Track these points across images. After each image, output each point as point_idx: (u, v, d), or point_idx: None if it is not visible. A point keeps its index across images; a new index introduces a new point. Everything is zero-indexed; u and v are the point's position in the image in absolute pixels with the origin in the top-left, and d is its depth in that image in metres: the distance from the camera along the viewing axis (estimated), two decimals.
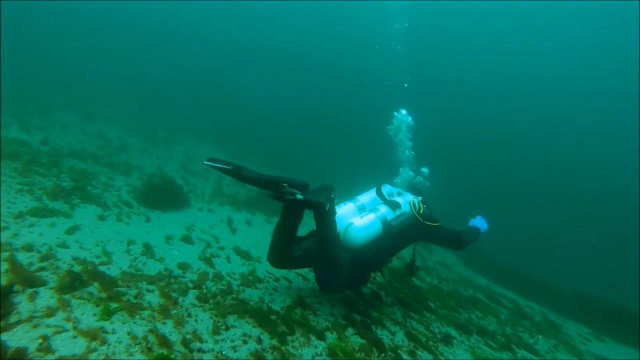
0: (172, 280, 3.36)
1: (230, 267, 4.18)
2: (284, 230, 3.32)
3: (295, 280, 4.34)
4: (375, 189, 4.03)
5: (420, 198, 4.22)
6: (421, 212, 3.99)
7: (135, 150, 9.58)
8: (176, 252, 4.15)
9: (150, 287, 3.05)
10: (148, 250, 3.89)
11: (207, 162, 3.14)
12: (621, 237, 22.98)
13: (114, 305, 2.52)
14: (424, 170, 4.95)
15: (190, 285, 3.34)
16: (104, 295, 2.64)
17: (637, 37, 26.30)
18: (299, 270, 4.67)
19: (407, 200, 4.01)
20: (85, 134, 9.23)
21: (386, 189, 4.08)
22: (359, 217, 3.57)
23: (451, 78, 35.43)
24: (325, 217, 3.21)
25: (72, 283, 2.58)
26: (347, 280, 3.39)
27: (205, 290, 3.31)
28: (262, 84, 35.19)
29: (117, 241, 3.92)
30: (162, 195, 5.83)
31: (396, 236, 3.65)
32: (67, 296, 2.49)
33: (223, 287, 3.48)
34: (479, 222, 4.61)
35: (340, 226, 3.46)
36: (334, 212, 3.35)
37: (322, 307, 3.76)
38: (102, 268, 3.15)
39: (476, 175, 28.73)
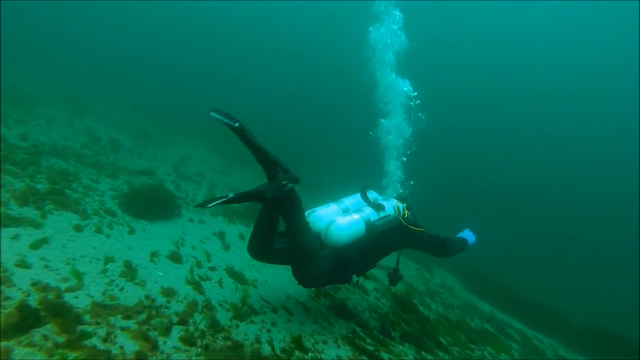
0: (154, 312, 2.81)
1: (222, 293, 3.64)
2: (263, 219, 3.33)
3: (296, 311, 3.81)
4: (359, 192, 3.94)
5: (405, 205, 4.08)
6: (406, 216, 3.89)
7: (125, 150, 9.01)
8: (161, 273, 3.60)
9: (125, 324, 2.51)
10: (128, 271, 3.34)
11: (214, 114, 3.12)
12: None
13: (72, 355, 1.98)
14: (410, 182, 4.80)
15: (175, 319, 2.80)
16: (62, 339, 2.09)
17: (637, 37, 26.45)
18: (299, 299, 4.15)
19: (391, 205, 3.91)
20: (71, 130, 8.64)
21: (371, 194, 3.99)
22: (342, 217, 3.50)
23: (449, 77, 35.31)
24: (286, 203, 3.13)
25: (22, 322, 2.03)
26: (327, 275, 3.28)
27: (192, 327, 2.77)
28: (256, 83, 34.80)
29: (92, 258, 3.37)
30: (150, 203, 5.28)
31: (379, 238, 3.55)
32: (11, 342, 1.94)
33: (213, 323, 2.95)
34: (467, 235, 4.47)
35: (322, 224, 3.44)
36: (298, 200, 3.21)
37: (328, 348, 3.25)
38: (68, 296, 2.60)
39: (472, 180, 28.45)
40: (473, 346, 4.97)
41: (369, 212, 3.63)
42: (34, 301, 2.37)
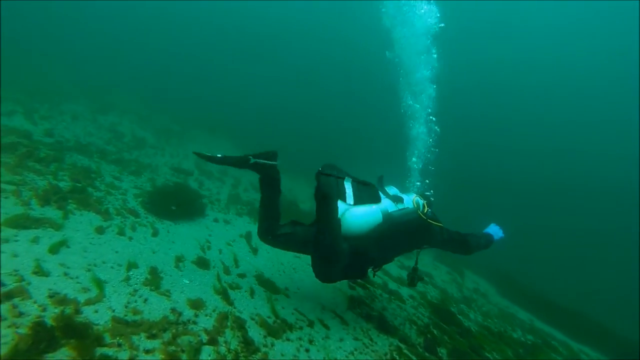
0: (181, 328, 2.52)
1: (253, 304, 3.32)
2: (264, 203, 3.48)
3: (333, 325, 3.47)
4: (376, 183, 3.78)
5: (425, 201, 3.90)
6: (425, 211, 3.73)
7: (148, 147, 8.84)
8: (187, 281, 3.31)
9: (150, 345, 2.21)
10: (153, 278, 3.06)
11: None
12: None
13: None
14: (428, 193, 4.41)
15: (204, 338, 2.49)
16: None
17: (637, 37, 25.46)
18: (335, 310, 3.81)
19: (410, 198, 3.79)
20: (95, 126, 8.52)
21: (391, 190, 3.86)
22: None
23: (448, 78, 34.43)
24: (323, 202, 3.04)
25: (34, 347, 1.75)
26: (345, 271, 3.24)
27: (223, 348, 2.46)
28: (276, 80, 34.66)
29: (115, 264, 3.10)
30: (173, 202, 5.02)
31: (397, 230, 3.42)
32: None
33: (246, 341, 2.63)
34: (493, 230, 4.10)
35: (339, 211, 3.26)
36: (331, 196, 3.10)
37: None
38: (87, 310, 2.33)
39: (479, 175, 27.63)
40: None
41: (387, 203, 3.54)
42: (49, 318, 2.09)
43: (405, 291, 5.69)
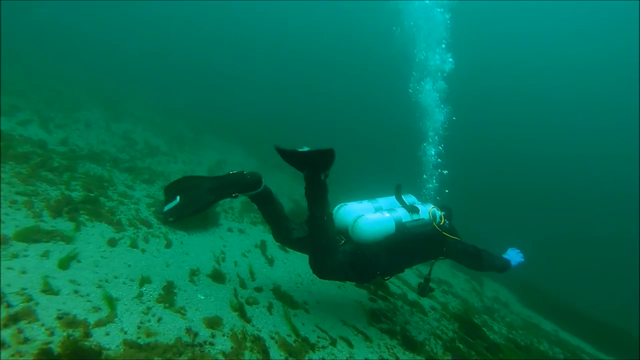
0: (197, 351, 2.36)
1: (272, 321, 3.15)
2: (267, 217, 3.48)
3: (357, 343, 3.28)
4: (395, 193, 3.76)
5: (443, 212, 3.82)
6: (442, 223, 3.67)
7: (161, 154, 8.79)
8: (202, 297, 3.16)
9: None
10: (167, 295, 2.92)
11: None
12: None
13: None
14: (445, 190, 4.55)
15: None
16: None
17: (637, 37, 24.90)
18: (357, 326, 3.61)
19: (427, 209, 3.72)
20: (109, 134, 8.49)
21: (409, 198, 3.80)
22: (372, 213, 3.38)
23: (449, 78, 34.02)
24: (315, 189, 3.03)
25: None
26: (344, 270, 3.16)
27: None
28: (288, 85, 34.69)
29: (127, 279, 2.96)
30: None
31: (410, 241, 3.37)
32: None
33: None
34: (510, 255, 3.91)
35: (350, 218, 3.31)
36: (324, 190, 3.06)
37: None
38: (97, 333, 2.18)
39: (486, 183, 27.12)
40: None
41: (401, 212, 3.49)
42: (56, 344, 1.95)
43: (426, 302, 5.47)
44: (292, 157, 2.93)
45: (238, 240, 5.09)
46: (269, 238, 5.52)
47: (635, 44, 26.28)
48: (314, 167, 2.94)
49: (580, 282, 16.22)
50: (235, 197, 3.24)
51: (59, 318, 2.18)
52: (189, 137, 12.33)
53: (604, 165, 33.27)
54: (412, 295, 5.38)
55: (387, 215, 3.37)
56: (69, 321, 2.17)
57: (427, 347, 3.77)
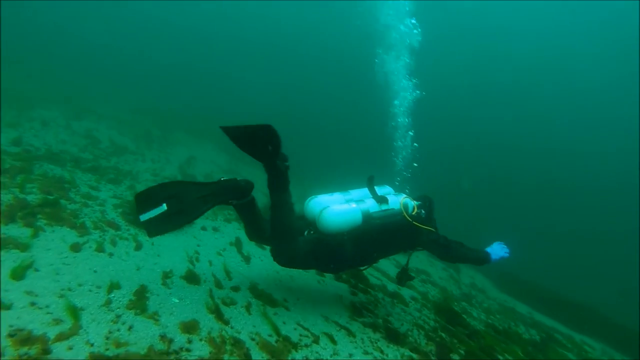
0: (173, 357, 2.19)
1: (251, 321, 3.01)
2: (247, 221, 3.41)
3: (340, 339, 3.19)
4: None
5: (417, 203, 3.75)
6: (413, 213, 3.59)
7: (128, 153, 8.38)
8: (176, 300, 2.98)
9: None
10: (138, 300, 2.72)
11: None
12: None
13: None
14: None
15: None
16: None
17: (637, 37, 25.83)
18: (339, 321, 3.53)
19: (398, 200, 3.64)
20: (69, 132, 8.01)
21: (384, 189, 3.79)
22: (340, 204, 3.38)
23: (449, 80, 34.61)
24: (274, 178, 3.07)
25: None
26: (305, 259, 3.27)
27: None
28: (260, 81, 34.15)
29: (93, 286, 2.75)
30: None
31: (378, 232, 3.37)
32: None
33: None
34: (494, 249, 3.70)
35: (318, 208, 3.32)
36: (284, 179, 3.10)
37: None
38: (58, 348, 1.98)
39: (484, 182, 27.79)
40: None
41: (370, 203, 3.47)
42: None
43: (406, 292, 5.46)
44: (235, 133, 2.87)
45: (212, 239, 4.89)
46: (244, 235, 5.36)
47: (635, 44, 26.80)
48: (259, 146, 2.92)
49: (577, 277, 16.75)
50: (233, 204, 3.19)
51: (11, 335, 1.96)
52: (157, 135, 11.86)
53: (603, 160, 34.15)
54: (392, 287, 5.35)
55: (354, 206, 3.36)
56: (24, 338, 1.95)
57: (410, 338, 3.74)
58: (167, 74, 27.55)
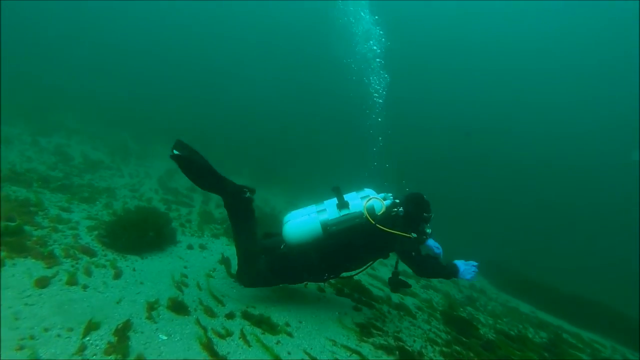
0: None
1: (252, 354, 2.63)
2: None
3: None
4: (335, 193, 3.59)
5: (391, 201, 3.58)
6: (378, 213, 3.41)
7: (103, 168, 7.84)
8: (164, 337, 2.57)
9: None
10: (119, 343, 2.32)
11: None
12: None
13: None
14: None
15: None
16: None
17: (637, 37, 26.11)
18: (349, 344, 3.17)
19: (361, 203, 3.48)
20: (36, 149, 7.43)
21: (364, 193, 3.62)
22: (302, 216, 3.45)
23: (449, 80, 34.80)
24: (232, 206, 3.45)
25: None
26: (264, 277, 3.41)
27: None
28: (240, 88, 33.56)
29: (63, 328, 2.33)
30: (139, 230, 4.20)
31: (339, 238, 3.33)
32: None
33: None
34: (465, 267, 3.44)
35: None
36: (248, 208, 3.47)
37: None
38: None
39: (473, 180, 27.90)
40: None
41: (330, 211, 3.45)
42: None
43: (409, 301, 5.15)
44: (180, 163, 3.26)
45: (200, 258, 4.47)
46: (234, 251, 4.96)
47: (635, 45, 27.06)
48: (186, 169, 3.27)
49: (575, 271, 16.73)
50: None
51: None
52: (134, 148, 11.29)
53: (599, 154, 34.23)
54: (396, 297, 5.03)
55: (313, 216, 3.39)
56: None
57: (425, 357, 3.40)
58: (143, 81, 26.68)
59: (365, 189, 3.71)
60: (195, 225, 5.82)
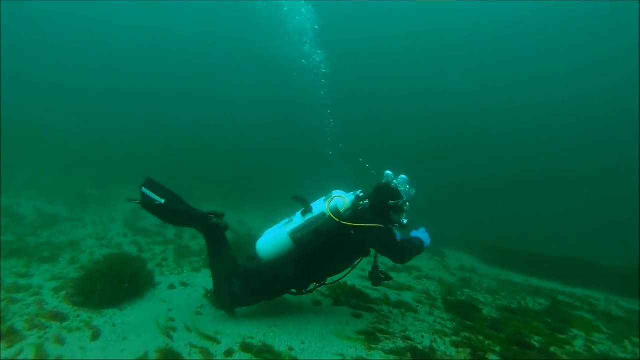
0: None
1: None
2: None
3: None
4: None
5: (354, 195, 3.57)
6: (342, 210, 3.40)
7: (61, 221, 7.30)
8: None
9: None
10: None
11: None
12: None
13: None
14: (403, 177, 3.92)
15: None
16: None
17: (637, 37, 26.70)
18: (361, 356, 2.99)
19: (323, 205, 3.48)
20: None
21: (333, 194, 3.57)
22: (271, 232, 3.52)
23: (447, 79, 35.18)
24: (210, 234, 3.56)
25: None
26: (239, 297, 3.44)
27: None
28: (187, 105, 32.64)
29: None
30: (112, 280, 3.84)
31: (308, 243, 3.30)
32: None
33: None
34: (423, 235, 3.82)
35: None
36: (219, 234, 3.55)
37: None
38: None
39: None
40: (563, 336, 4.05)
41: (296, 220, 3.46)
42: None
43: (407, 296, 5.04)
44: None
45: (184, 297, 4.17)
46: None
47: (635, 45, 27.61)
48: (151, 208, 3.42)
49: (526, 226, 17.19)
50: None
51: None
52: (93, 194, 10.65)
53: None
54: (393, 296, 4.90)
55: (282, 228, 3.42)
56: None
57: (438, 352, 3.27)
58: (90, 114, 25.22)
59: (333, 191, 3.65)
60: (172, 262, 5.49)
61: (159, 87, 35.82)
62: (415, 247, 3.63)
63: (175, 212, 3.43)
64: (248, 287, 3.37)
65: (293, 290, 3.56)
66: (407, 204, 3.73)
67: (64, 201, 9.04)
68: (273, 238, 3.41)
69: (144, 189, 3.43)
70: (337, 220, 3.30)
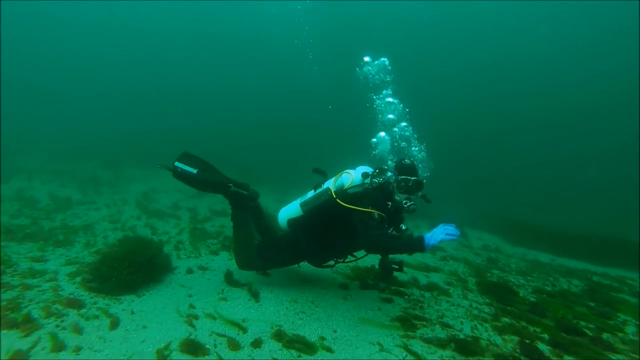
0: None
1: None
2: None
3: None
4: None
5: (361, 173, 3.30)
6: (346, 185, 3.26)
7: (75, 205, 7.15)
8: None
9: None
10: None
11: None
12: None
13: None
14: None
15: None
16: None
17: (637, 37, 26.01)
18: (396, 342, 2.75)
19: (330, 180, 3.43)
20: None
21: (359, 170, 3.40)
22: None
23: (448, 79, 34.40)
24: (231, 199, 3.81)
25: None
26: (253, 262, 3.64)
27: None
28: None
29: None
30: (129, 265, 3.64)
31: (316, 217, 3.35)
32: None
33: None
34: (436, 232, 2.95)
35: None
36: (243, 204, 3.76)
37: None
38: None
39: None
40: (611, 321, 3.77)
41: (310, 193, 3.52)
42: None
43: (435, 277, 4.79)
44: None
45: (205, 281, 3.95)
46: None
47: (635, 45, 26.74)
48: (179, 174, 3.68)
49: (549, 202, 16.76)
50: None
51: None
52: (105, 177, 10.51)
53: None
54: (422, 278, 4.65)
55: (297, 201, 3.55)
56: None
57: (482, 341, 3.02)
58: (102, 107, 25.36)
59: (358, 166, 3.47)
60: (189, 245, 5.28)
61: (194, 88, 35.84)
62: (403, 246, 3.12)
63: (200, 182, 3.64)
64: (262, 254, 3.59)
65: (298, 260, 3.67)
66: (415, 204, 3.22)
67: (77, 184, 8.90)
68: (289, 207, 3.61)
69: (177, 163, 3.63)
70: (335, 197, 3.19)
